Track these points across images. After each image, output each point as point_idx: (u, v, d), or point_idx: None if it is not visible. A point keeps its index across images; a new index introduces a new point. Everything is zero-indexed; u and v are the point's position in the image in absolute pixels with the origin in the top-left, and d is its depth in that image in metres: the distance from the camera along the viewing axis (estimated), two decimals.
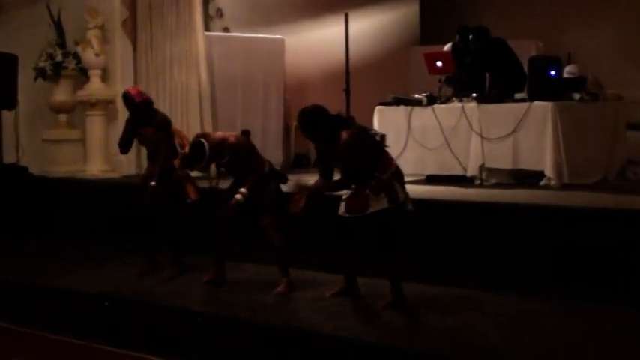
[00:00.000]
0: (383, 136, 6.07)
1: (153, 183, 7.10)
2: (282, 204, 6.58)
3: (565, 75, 8.94)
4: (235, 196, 6.54)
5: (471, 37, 9.42)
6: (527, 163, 8.41)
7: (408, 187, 8.47)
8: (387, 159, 6.04)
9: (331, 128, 5.90)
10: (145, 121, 7.21)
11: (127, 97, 7.19)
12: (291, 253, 6.69)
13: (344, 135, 5.84)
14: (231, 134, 6.72)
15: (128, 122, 7.36)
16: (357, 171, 5.89)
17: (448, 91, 9.23)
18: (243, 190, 6.56)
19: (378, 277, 6.41)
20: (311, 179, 9.05)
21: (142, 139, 7.36)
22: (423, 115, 8.96)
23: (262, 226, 6.63)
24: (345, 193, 6.06)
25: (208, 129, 10.11)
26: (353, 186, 5.98)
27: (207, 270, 7.00)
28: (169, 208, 7.22)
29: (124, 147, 7.41)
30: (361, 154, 5.84)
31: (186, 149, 6.94)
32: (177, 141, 7.33)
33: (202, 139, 6.57)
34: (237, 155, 6.57)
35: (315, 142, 6.06)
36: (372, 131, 6.27)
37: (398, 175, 6.02)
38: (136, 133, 7.32)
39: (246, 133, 6.74)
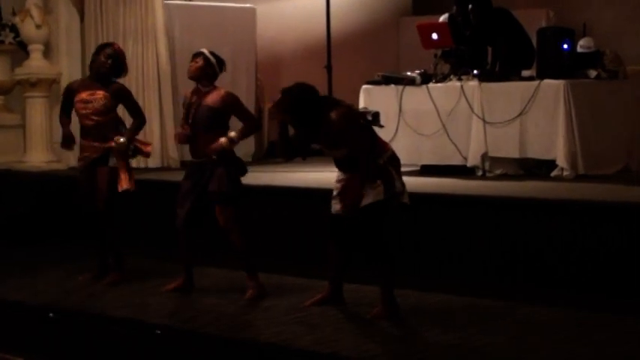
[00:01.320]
0: (376, 115, 6.04)
1: (122, 139, 7.09)
2: (241, 197, 6.64)
3: (579, 49, 8.94)
4: (221, 139, 6.58)
5: (470, 6, 9.41)
6: (537, 151, 8.42)
7: None
8: (382, 141, 6.06)
9: (320, 110, 5.88)
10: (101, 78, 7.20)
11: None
12: (266, 256, 6.70)
13: (333, 115, 5.83)
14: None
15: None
16: (346, 157, 5.88)
17: (445, 68, 9.21)
18: (233, 134, 6.64)
19: (367, 283, 6.40)
20: (287, 170, 9.12)
21: (84, 106, 7.19)
22: (416, 96, 8.94)
23: (218, 222, 6.64)
24: (336, 188, 6.04)
25: (168, 111, 10.08)
26: (343, 177, 5.96)
27: (163, 276, 7.06)
28: (111, 199, 7.20)
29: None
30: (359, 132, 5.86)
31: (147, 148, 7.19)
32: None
33: None
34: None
35: (297, 127, 6.03)
36: (363, 109, 6.27)
37: (394, 160, 6.03)
38: (73, 99, 7.23)
39: None
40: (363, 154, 5.85)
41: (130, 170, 7.23)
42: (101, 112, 7.16)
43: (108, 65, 7.20)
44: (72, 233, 7.72)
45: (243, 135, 6.75)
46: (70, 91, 7.34)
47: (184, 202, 6.73)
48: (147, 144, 7.47)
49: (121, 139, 7.10)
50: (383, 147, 6.01)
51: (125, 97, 7.29)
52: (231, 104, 6.74)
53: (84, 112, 7.20)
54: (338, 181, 6.07)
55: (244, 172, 6.80)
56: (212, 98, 6.70)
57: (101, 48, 7.37)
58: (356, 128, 5.87)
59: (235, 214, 6.66)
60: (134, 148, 7.24)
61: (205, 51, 6.83)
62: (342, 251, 6.15)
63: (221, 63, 6.84)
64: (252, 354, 5.66)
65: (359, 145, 5.86)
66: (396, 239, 7.27)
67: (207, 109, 6.67)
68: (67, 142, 7.36)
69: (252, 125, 6.83)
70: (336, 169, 6.13)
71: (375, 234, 5.94)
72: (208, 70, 6.75)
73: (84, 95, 7.19)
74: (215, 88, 6.78)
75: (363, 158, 5.85)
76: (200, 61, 6.75)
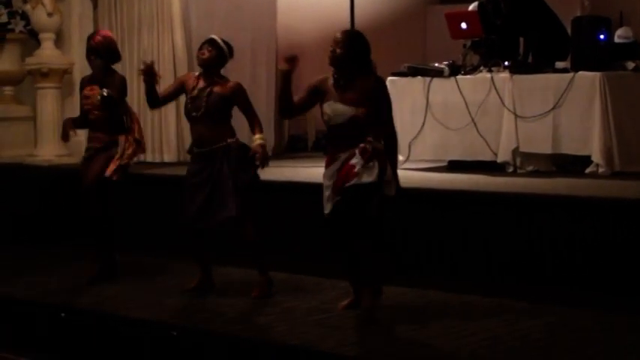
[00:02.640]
0: None
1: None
2: (253, 187, 6.69)
3: (616, 40, 8.92)
4: (257, 146, 6.66)
5: None
6: (570, 147, 8.40)
7: (427, 175, 8.56)
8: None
9: (367, 61, 6.12)
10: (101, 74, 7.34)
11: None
12: (288, 254, 6.74)
13: (371, 78, 6.09)
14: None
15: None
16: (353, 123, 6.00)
17: (474, 59, 9.22)
18: (258, 136, 6.72)
19: (387, 284, 6.45)
20: (308, 165, 9.13)
21: (86, 101, 7.36)
22: (444, 89, 8.95)
23: (229, 215, 6.66)
24: (327, 186, 6.09)
25: (184, 103, 10.09)
26: (334, 170, 6.06)
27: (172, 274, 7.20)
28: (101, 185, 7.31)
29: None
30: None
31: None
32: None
33: None
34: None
35: (339, 63, 6.10)
36: None
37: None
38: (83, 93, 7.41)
39: None
40: (392, 121, 6.15)
41: (124, 163, 7.34)
42: (99, 107, 7.28)
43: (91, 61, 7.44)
44: (84, 229, 7.75)
45: (261, 132, 6.77)
46: (80, 86, 7.61)
47: (195, 197, 6.73)
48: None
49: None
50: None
51: (115, 88, 7.37)
52: (240, 95, 6.78)
53: (86, 107, 7.40)
54: (329, 178, 6.11)
55: (254, 165, 6.82)
56: (222, 88, 6.76)
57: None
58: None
59: (247, 205, 6.69)
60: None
61: (216, 38, 6.88)
62: (345, 251, 6.19)
63: (231, 49, 6.89)
64: (273, 356, 5.69)
65: (391, 111, 6.13)
66: (421, 237, 7.33)
67: (219, 97, 6.73)
68: (64, 131, 7.55)
69: (259, 120, 6.82)
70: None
71: (369, 218, 6.02)
72: (218, 57, 6.81)
73: (86, 91, 7.40)
74: (224, 77, 6.85)
75: (392, 124, 6.14)
76: (213, 50, 6.80)
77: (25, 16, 10.43)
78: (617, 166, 8.20)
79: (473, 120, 8.74)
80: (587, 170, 8.29)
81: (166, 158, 10.01)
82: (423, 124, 8.95)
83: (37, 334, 6.80)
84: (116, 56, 7.54)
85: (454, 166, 9.03)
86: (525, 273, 6.91)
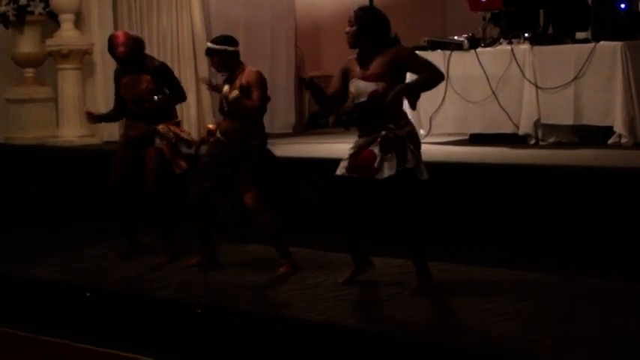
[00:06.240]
0: None
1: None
2: (268, 180, 6.73)
3: None
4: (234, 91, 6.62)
5: None
6: (592, 118, 8.34)
7: (448, 148, 8.53)
8: (405, 113, 6.15)
9: (386, 34, 6.06)
10: (133, 66, 7.28)
11: (110, 43, 7.31)
12: (311, 231, 6.73)
13: (393, 50, 6.00)
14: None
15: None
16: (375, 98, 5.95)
17: (494, 31, 9.16)
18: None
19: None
20: (329, 141, 9.11)
21: (127, 90, 7.34)
22: (464, 62, 8.89)
23: (245, 204, 6.72)
24: (350, 153, 6.07)
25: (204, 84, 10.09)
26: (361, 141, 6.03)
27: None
28: (161, 179, 7.28)
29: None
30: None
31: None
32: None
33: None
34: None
35: (358, 40, 6.07)
36: None
37: (414, 137, 6.07)
38: (119, 83, 7.39)
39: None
40: (432, 65, 6.08)
41: (179, 151, 7.34)
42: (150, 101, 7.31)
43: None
44: (107, 210, 7.77)
45: (250, 104, 6.65)
46: (115, 77, 7.54)
47: (202, 179, 6.80)
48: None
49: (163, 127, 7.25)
50: (406, 118, 6.09)
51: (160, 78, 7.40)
52: (254, 80, 6.71)
53: (127, 97, 7.38)
54: (354, 147, 6.10)
55: (275, 163, 6.88)
56: (243, 78, 6.72)
57: None
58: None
59: (261, 195, 6.71)
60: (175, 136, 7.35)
61: (210, 45, 6.82)
62: (347, 215, 6.19)
63: (231, 41, 6.80)
64: (298, 332, 5.69)
65: (429, 63, 6.08)
66: (444, 211, 7.30)
67: (242, 88, 6.68)
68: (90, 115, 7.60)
69: (255, 106, 6.70)
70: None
71: (401, 207, 5.99)
72: (227, 57, 6.76)
73: (127, 80, 7.35)
74: (243, 69, 6.78)
75: (433, 68, 6.05)
76: (215, 58, 6.80)
77: None
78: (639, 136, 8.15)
79: (494, 92, 8.69)
80: (610, 141, 8.23)
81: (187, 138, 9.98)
82: (444, 97, 8.90)
83: (61, 314, 6.82)
84: (141, 50, 7.39)
85: (476, 140, 8.99)
86: (550, 245, 6.90)
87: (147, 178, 7.31)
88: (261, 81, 6.74)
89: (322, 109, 6.34)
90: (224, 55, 6.75)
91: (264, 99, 6.76)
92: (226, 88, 6.73)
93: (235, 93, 6.61)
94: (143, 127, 7.31)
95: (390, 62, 5.96)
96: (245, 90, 6.62)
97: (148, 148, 7.30)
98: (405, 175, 5.93)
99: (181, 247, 7.43)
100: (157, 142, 7.28)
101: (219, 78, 7.16)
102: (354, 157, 6.04)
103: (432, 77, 6.00)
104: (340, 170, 6.10)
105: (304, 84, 6.16)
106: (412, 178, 5.98)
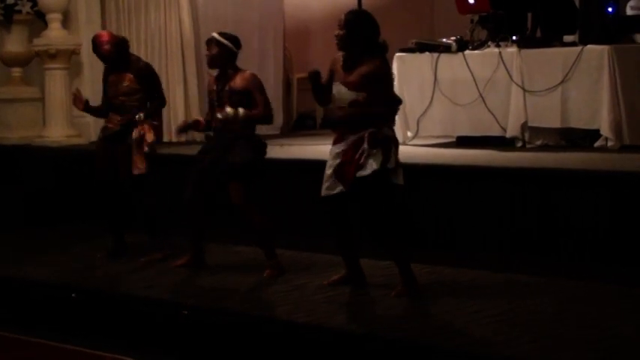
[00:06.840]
0: None
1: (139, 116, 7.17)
2: (258, 175, 6.71)
3: (629, 11, 8.86)
4: (227, 108, 6.60)
5: None
6: (579, 121, 8.35)
7: (436, 151, 8.54)
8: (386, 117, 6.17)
9: (373, 43, 6.03)
10: (118, 65, 7.34)
11: (94, 42, 7.36)
12: (296, 232, 6.74)
13: (376, 62, 5.97)
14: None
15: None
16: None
17: (482, 34, 9.16)
18: (242, 110, 6.63)
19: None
20: (318, 143, 9.11)
21: (110, 89, 7.39)
22: (452, 64, 8.90)
23: (232, 202, 6.69)
24: (330, 165, 6.08)
25: (192, 82, 10.09)
26: (337, 151, 6.03)
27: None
28: (132, 181, 7.31)
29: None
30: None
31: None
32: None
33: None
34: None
35: (345, 44, 6.06)
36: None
37: (395, 140, 6.11)
38: (106, 81, 7.43)
39: None
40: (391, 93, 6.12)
41: (142, 153, 7.32)
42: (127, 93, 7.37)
43: None
44: (94, 210, 7.76)
45: (252, 116, 6.68)
46: (104, 75, 7.59)
47: (194, 177, 6.80)
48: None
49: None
50: (394, 120, 6.18)
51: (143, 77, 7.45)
52: (253, 85, 6.72)
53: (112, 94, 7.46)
54: (333, 157, 6.09)
55: (263, 150, 6.85)
56: (236, 82, 6.72)
57: None
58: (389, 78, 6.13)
59: (247, 192, 6.70)
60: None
61: (216, 35, 6.80)
62: (340, 230, 6.24)
63: (237, 42, 6.81)
64: (284, 333, 5.69)
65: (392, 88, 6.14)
66: (431, 214, 7.31)
67: (233, 92, 6.69)
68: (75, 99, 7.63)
69: (265, 114, 6.73)
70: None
71: (379, 208, 6.00)
72: (225, 54, 6.74)
73: (112, 78, 7.42)
74: (239, 70, 6.78)
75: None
76: (214, 49, 6.75)
77: None
78: (626, 139, 8.15)
79: (481, 95, 8.69)
80: (596, 144, 8.25)
81: (175, 138, 9.97)
82: (431, 100, 8.90)
83: (48, 314, 6.80)
84: (126, 50, 7.45)
85: (463, 142, 8.99)
86: (536, 248, 6.91)
87: (121, 179, 7.34)
88: (260, 84, 6.75)
89: (318, 102, 6.34)
90: (223, 51, 6.72)
91: (268, 102, 6.76)
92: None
93: (228, 110, 6.59)
94: (120, 121, 7.34)
95: (369, 75, 5.94)
96: (237, 97, 6.61)
97: (121, 145, 7.31)
98: (382, 178, 5.93)
99: (170, 247, 7.42)
100: (129, 139, 7.30)
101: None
102: (334, 172, 6.04)
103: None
104: (324, 192, 6.11)
105: (312, 74, 6.12)
106: (388, 182, 5.99)
